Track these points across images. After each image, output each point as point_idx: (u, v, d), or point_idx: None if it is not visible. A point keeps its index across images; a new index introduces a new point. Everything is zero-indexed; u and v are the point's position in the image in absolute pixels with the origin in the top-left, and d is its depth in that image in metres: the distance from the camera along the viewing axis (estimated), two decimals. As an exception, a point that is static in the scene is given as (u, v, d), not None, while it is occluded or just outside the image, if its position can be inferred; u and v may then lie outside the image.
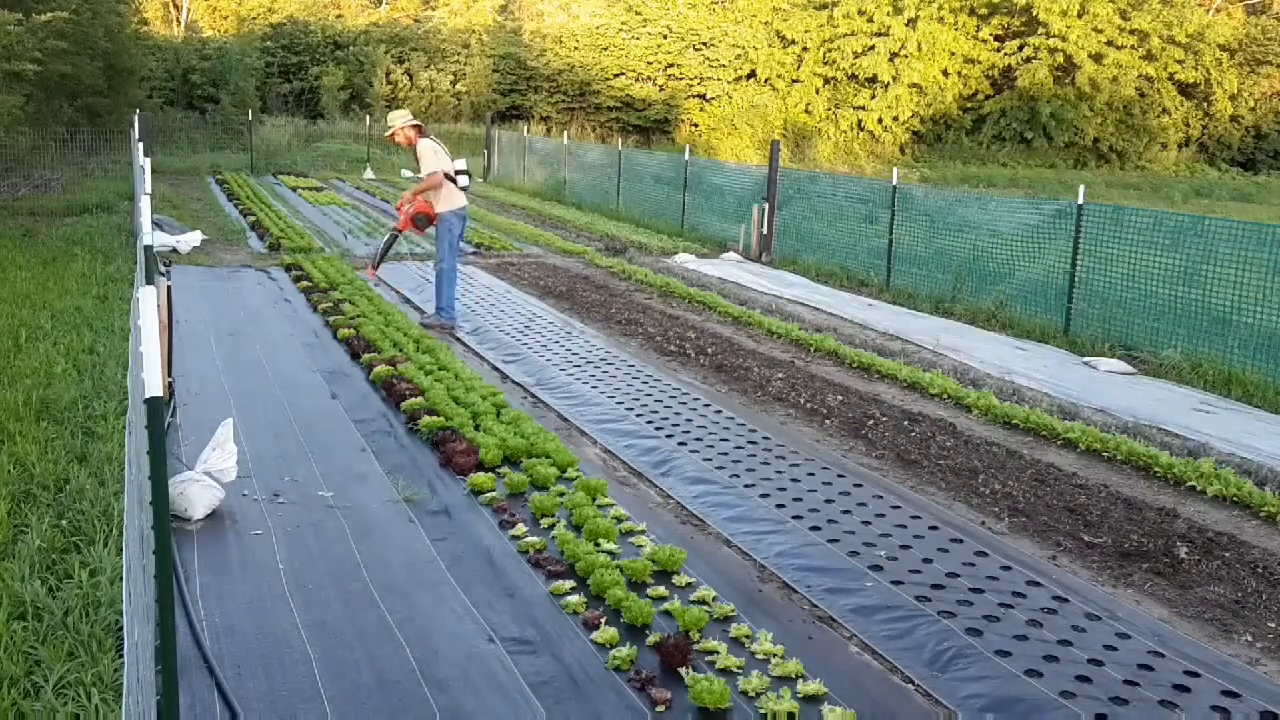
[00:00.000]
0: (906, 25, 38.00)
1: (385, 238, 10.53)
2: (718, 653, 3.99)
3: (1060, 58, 37.45)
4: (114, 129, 24.63)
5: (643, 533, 5.12)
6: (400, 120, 9.61)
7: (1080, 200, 10.37)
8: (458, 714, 3.54)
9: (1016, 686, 3.85)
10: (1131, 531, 5.46)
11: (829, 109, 39.44)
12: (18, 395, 6.70)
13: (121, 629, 3.77)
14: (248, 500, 5.33)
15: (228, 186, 21.42)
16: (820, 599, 4.53)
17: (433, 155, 9.48)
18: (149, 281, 4.47)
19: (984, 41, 38.84)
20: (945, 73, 38.45)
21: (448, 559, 4.76)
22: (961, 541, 5.16)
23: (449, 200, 9.59)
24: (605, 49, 40.47)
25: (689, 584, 4.58)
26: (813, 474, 6.06)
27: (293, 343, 8.86)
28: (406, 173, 25.70)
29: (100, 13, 23.53)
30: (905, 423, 7.24)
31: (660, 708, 3.63)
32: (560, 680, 3.79)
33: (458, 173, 9.65)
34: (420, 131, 9.64)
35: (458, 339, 9.41)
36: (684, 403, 7.43)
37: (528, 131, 30.62)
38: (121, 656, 3.60)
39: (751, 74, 40.77)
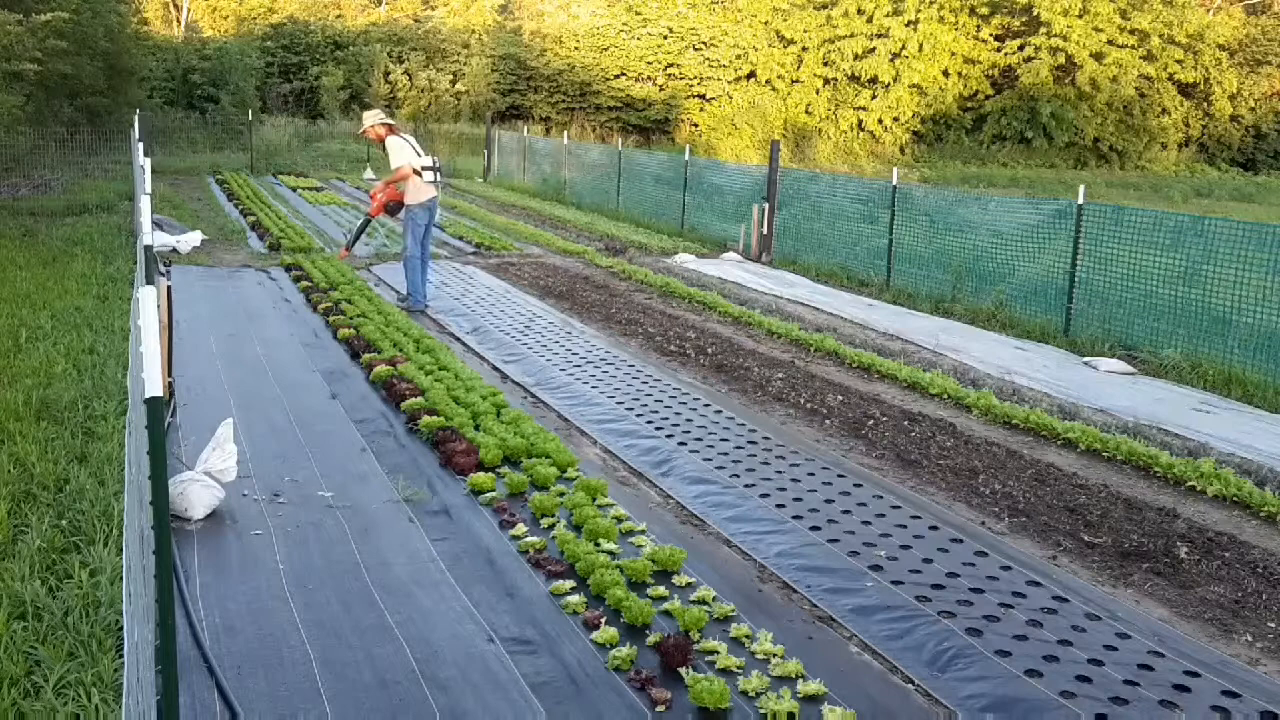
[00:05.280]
0: (907, 26, 38.01)
1: (359, 222, 11.64)
2: (718, 653, 3.98)
3: (1061, 57, 37.47)
4: (114, 129, 24.63)
5: (643, 533, 5.12)
6: (372, 119, 10.61)
7: (1080, 200, 10.37)
8: (458, 714, 3.54)
9: (1016, 686, 3.85)
10: (1131, 531, 5.46)
11: (829, 109, 39.44)
12: (18, 395, 6.70)
13: (121, 629, 3.77)
14: (248, 500, 5.33)
15: (228, 186, 21.42)
16: (820, 599, 4.53)
17: (400, 150, 10.30)
18: (149, 281, 4.47)
19: (984, 41, 38.87)
20: (945, 73, 38.47)
21: (448, 559, 4.76)
22: (961, 541, 5.16)
23: (416, 193, 10.39)
24: (605, 49, 40.48)
25: (689, 584, 4.58)
26: (813, 474, 6.06)
27: (293, 343, 8.86)
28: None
29: (100, 13, 23.54)
30: (905, 423, 7.24)
31: (660, 708, 3.63)
32: (560, 680, 3.79)
33: (425, 168, 10.38)
34: (390, 129, 10.55)
35: (458, 339, 9.41)
36: (684, 403, 7.43)
37: (528, 131, 30.62)
38: (121, 656, 3.60)
39: (751, 74, 40.79)
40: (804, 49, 39.80)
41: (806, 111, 39.19)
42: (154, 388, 2.54)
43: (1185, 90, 40.83)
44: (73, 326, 8.85)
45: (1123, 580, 4.91)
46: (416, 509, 5.35)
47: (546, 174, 24.17)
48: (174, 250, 13.10)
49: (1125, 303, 9.98)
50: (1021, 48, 38.36)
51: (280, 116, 33.04)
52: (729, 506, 5.54)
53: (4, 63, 16.64)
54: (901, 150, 38.78)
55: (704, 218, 17.44)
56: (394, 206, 10.57)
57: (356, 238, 11.79)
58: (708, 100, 40.58)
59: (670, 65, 41.00)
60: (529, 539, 4.95)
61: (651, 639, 4.05)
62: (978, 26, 38.84)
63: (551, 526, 5.14)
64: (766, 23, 41.08)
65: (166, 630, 2.61)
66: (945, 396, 7.90)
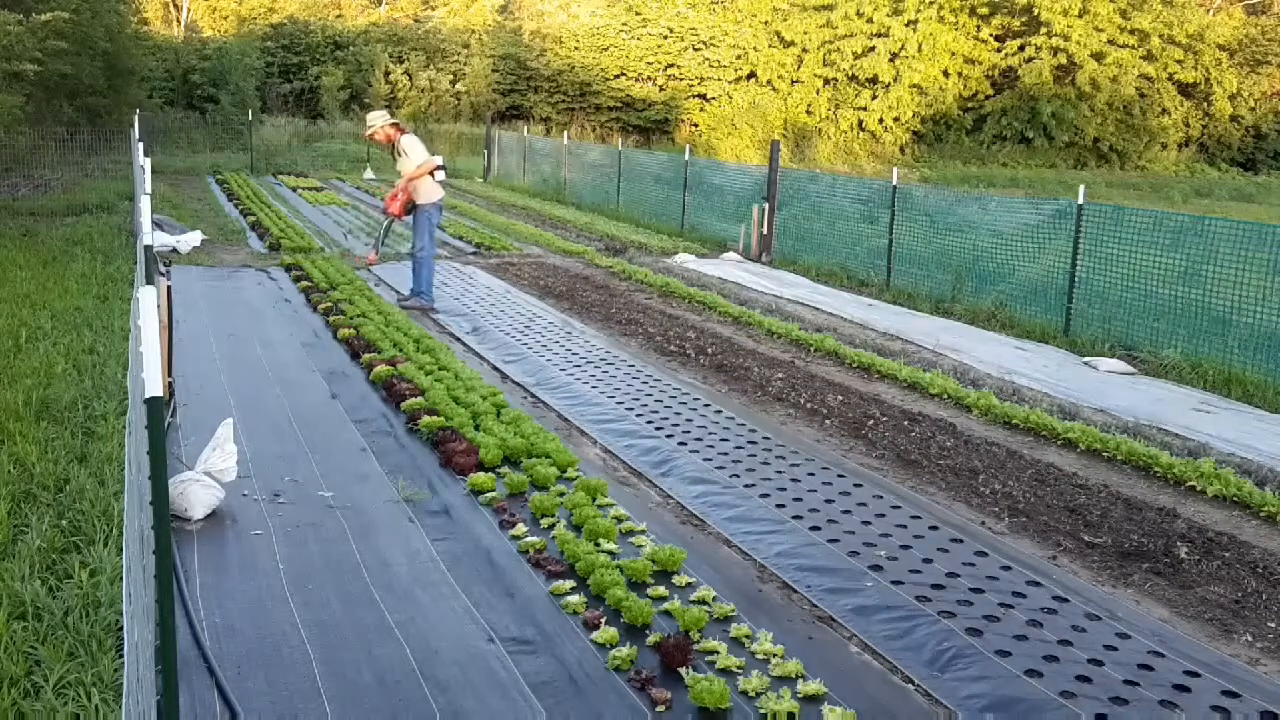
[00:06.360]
0: (906, 26, 38.02)
1: (383, 226, 11.57)
2: (718, 653, 3.98)
3: (1061, 57, 37.45)
4: (114, 129, 24.64)
5: (643, 533, 5.12)
6: (379, 120, 10.50)
7: (1080, 200, 10.37)
8: (458, 714, 3.54)
9: (1016, 686, 3.85)
10: (1131, 531, 5.46)
11: (829, 109, 39.44)
12: (18, 395, 6.70)
13: (121, 629, 3.77)
14: (248, 500, 5.33)
15: (228, 186, 21.43)
16: (820, 599, 4.53)
17: (420, 148, 10.35)
18: (149, 281, 4.48)
19: (984, 41, 38.85)
20: (946, 73, 38.45)
21: (448, 559, 4.76)
22: (961, 541, 5.16)
23: (429, 192, 10.43)
24: (605, 49, 40.48)
25: (689, 584, 4.58)
26: (813, 474, 6.06)
27: (293, 343, 8.86)
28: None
29: (100, 13, 23.56)
30: (905, 423, 7.24)
31: (660, 708, 3.63)
32: (560, 680, 3.79)
33: (437, 167, 10.43)
34: (399, 129, 10.48)
35: (458, 339, 9.42)
36: (684, 403, 7.43)
37: (528, 131, 30.63)
38: (121, 656, 3.60)
39: (752, 74, 40.78)
40: (804, 50, 39.79)
41: (807, 111, 39.18)
42: (154, 388, 2.54)
43: (1185, 90, 40.81)
44: (73, 326, 8.85)
45: (1123, 580, 4.91)
46: (416, 509, 5.35)
47: (546, 174, 24.17)
48: (174, 250, 13.10)
49: (1125, 303, 9.98)
50: (1022, 48, 38.34)
51: (280, 116, 33.05)
52: (729, 506, 5.54)
53: (4, 63, 16.64)
54: (902, 150, 38.76)
55: (704, 218, 17.44)
56: (410, 206, 10.58)
57: (382, 241, 11.80)
58: (708, 100, 40.56)
59: (670, 65, 40.98)
60: (529, 539, 4.95)
61: (651, 639, 4.05)
62: (978, 26, 38.82)
63: (551, 526, 5.14)
64: (766, 23, 41.06)
65: (166, 630, 2.61)
66: (945, 396, 7.90)
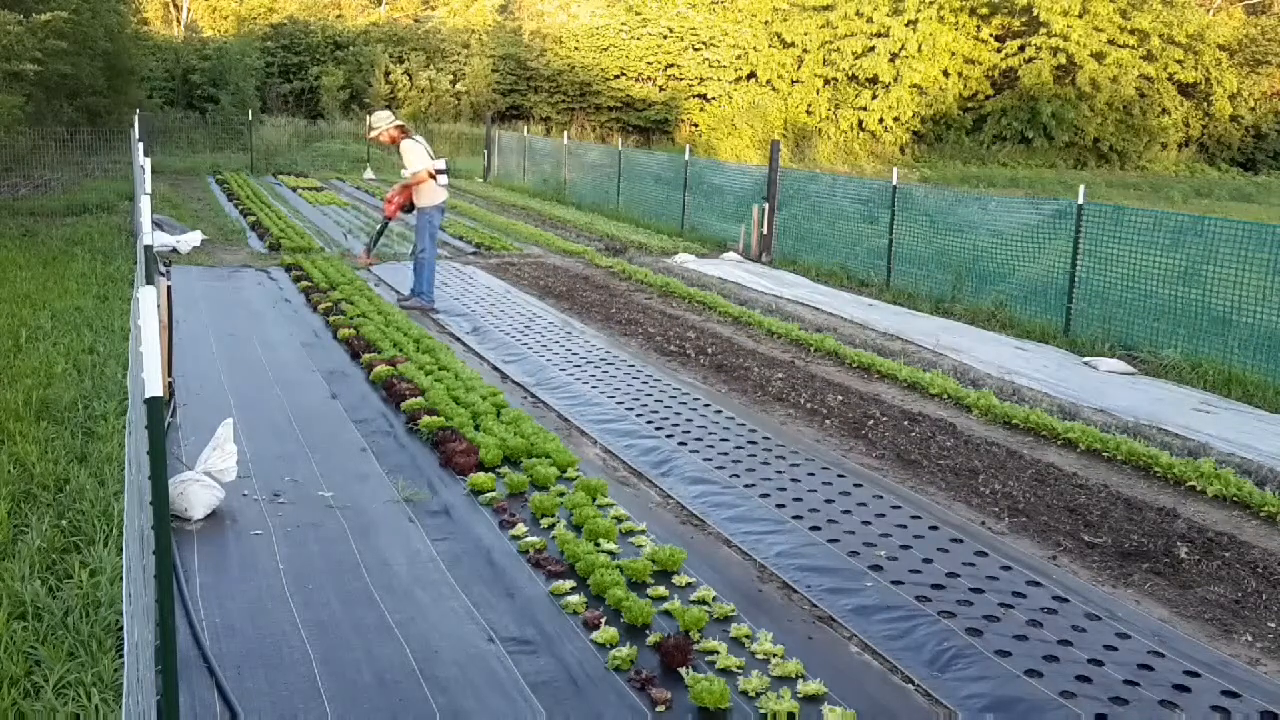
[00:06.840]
0: (906, 26, 38.02)
1: (377, 227, 11.73)
2: (718, 653, 3.98)
3: (1061, 57, 37.45)
4: (114, 129, 24.63)
5: (643, 533, 5.12)
6: (384, 122, 10.43)
7: (1080, 200, 10.37)
8: (458, 714, 3.54)
9: (1016, 686, 3.85)
10: (1131, 531, 5.46)
11: (829, 109, 39.44)
12: (18, 395, 6.70)
13: (121, 629, 3.77)
14: (248, 500, 5.33)
15: (228, 186, 21.42)
16: (820, 599, 4.53)
17: (416, 154, 10.28)
18: (149, 281, 4.48)
19: (984, 42, 38.85)
20: (946, 73, 38.45)
21: (448, 559, 4.76)
22: (961, 541, 5.16)
23: (431, 196, 10.40)
24: (605, 49, 40.46)
25: (689, 584, 4.58)
26: (813, 474, 6.06)
27: (293, 343, 8.86)
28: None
29: (100, 13, 23.54)
30: (905, 423, 7.24)
31: (660, 708, 3.63)
32: (560, 680, 3.79)
33: (439, 171, 10.39)
34: (403, 131, 10.45)
35: (458, 339, 9.42)
36: (684, 403, 7.43)
37: (528, 131, 30.62)
38: (121, 656, 3.60)
39: (752, 74, 40.77)
40: (804, 50, 39.80)
41: (807, 111, 39.17)
42: (154, 388, 2.54)
43: (1185, 90, 40.81)
44: (73, 326, 8.85)
45: (1123, 580, 4.91)
46: (416, 509, 5.35)
47: (546, 174, 24.17)
48: (174, 250, 13.10)
49: (1125, 303, 9.98)
50: (1022, 48, 38.33)
51: (280, 116, 33.02)
52: (729, 506, 5.54)
53: (4, 63, 16.63)
54: (902, 150, 38.75)
55: (704, 218, 17.44)
56: (407, 207, 10.69)
57: (375, 242, 11.91)
58: (708, 100, 40.53)
59: (670, 65, 40.96)
60: (529, 539, 4.95)
61: (651, 639, 4.05)
62: (978, 26, 38.82)
63: (551, 526, 5.14)
64: (767, 23, 41.06)
65: (166, 630, 2.61)
66: (945, 396, 7.90)
